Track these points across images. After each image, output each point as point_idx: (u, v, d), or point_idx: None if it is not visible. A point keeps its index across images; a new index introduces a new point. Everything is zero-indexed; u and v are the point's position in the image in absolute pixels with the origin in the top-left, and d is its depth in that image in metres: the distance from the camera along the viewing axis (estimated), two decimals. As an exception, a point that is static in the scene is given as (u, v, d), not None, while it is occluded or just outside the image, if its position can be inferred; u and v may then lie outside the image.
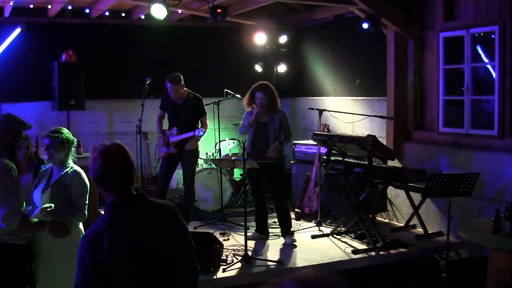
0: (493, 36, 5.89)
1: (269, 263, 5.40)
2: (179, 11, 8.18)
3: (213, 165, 7.75)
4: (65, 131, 4.05)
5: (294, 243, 6.05)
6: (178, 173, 7.05)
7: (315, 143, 6.87)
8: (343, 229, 6.52)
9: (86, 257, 2.37)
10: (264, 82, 6.36)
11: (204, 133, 6.55)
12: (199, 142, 6.76)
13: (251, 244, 5.85)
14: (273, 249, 5.90)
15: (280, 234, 6.32)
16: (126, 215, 2.47)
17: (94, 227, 2.45)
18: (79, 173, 3.98)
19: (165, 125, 6.98)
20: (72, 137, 4.08)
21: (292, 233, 6.22)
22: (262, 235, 6.30)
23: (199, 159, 7.77)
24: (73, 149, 4.09)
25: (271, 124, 6.09)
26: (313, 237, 6.38)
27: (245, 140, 6.15)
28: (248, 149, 6.12)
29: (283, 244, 6.06)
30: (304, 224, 7.04)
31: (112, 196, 2.49)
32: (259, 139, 6.13)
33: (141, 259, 2.43)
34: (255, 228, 6.40)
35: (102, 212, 7.52)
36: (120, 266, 2.39)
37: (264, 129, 6.11)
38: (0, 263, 3.64)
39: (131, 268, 2.41)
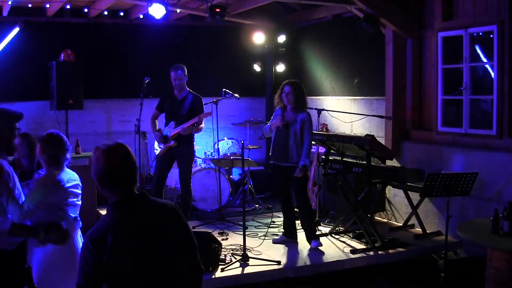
0: (491, 35, 5.89)
1: (268, 262, 5.39)
2: (178, 10, 8.18)
3: (212, 165, 7.75)
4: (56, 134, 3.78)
5: (320, 247, 5.81)
6: (176, 172, 7.05)
7: (314, 142, 6.87)
8: (341, 228, 6.51)
9: (89, 256, 2.37)
10: (296, 80, 6.21)
11: (210, 115, 6.54)
12: (195, 143, 6.75)
13: (249, 243, 5.84)
14: (272, 249, 5.89)
15: (277, 233, 6.35)
16: (128, 215, 2.48)
17: (96, 227, 2.45)
18: (44, 176, 3.72)
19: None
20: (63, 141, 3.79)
21: (318, 237, 5.98)
22: (290, 239, 6.10)
23: (197, 158, 7.78)
24: (67, 155, 3.78)
25: (292, 126, 5.84)
26: (312, 236, 6.37)
27: (243, 140, 6.15)
28: (271, 151, 6.05)
29: (309, 249, 5.83)
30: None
31: (114, 195, 2.49)
32: (280, 141, 5.92)
33: (143, 259, 2.43)
34: (283, 232, 6.23)
35: (100, 212, 7.47)
36: (122, 266, 2.39)
37: (285, 131, 5.87)
38: None
39: (133, 268, 2.41)
